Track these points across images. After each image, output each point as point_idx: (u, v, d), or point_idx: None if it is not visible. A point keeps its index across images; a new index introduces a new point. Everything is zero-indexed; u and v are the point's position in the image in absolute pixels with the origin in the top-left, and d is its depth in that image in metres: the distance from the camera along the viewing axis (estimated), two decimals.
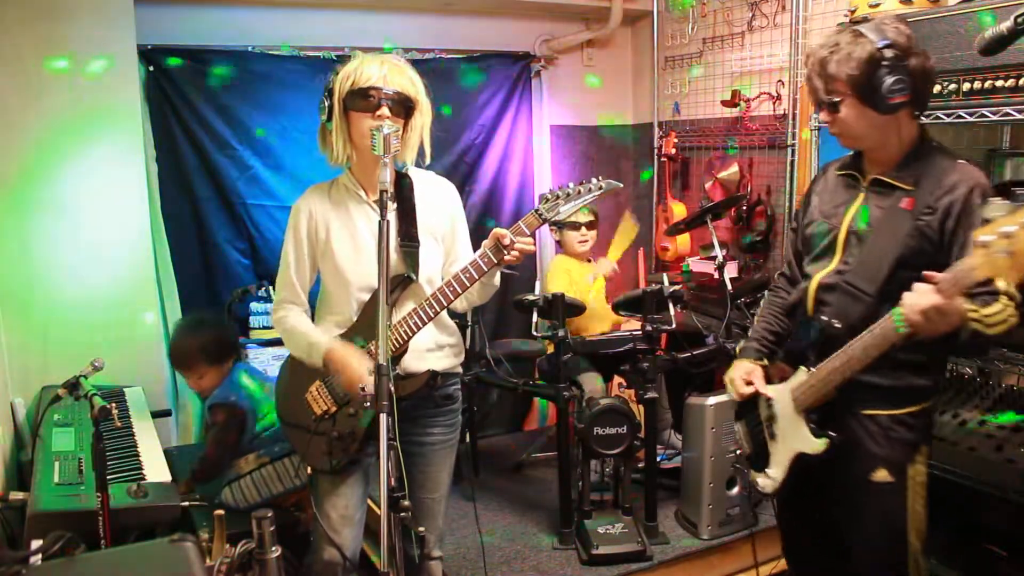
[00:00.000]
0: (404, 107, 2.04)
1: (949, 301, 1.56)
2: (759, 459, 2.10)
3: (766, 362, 2.11)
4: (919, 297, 1.59)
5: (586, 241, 3.65)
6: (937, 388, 1.94)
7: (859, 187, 1.93)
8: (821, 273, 1.95)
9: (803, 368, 1.94)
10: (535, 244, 2.03)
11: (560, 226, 3.63)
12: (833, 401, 1.90)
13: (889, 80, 1.73)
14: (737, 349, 2.22)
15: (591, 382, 3.28)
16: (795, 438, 1.96)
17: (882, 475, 1.88)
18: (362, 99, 1.99)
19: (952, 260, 1.69)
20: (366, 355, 2.02)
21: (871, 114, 1.79)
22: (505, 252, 1.95)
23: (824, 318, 1.90)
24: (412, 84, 2.06)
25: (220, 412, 2.80)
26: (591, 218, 3.64)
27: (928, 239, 1.78)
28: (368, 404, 1.67)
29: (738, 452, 2.22)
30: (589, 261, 3.72)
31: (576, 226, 3.60)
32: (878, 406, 1.88)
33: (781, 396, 2.00)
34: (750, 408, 2.13)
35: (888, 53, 1.74)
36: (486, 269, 1.99)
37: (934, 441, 2.42)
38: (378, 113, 1.99)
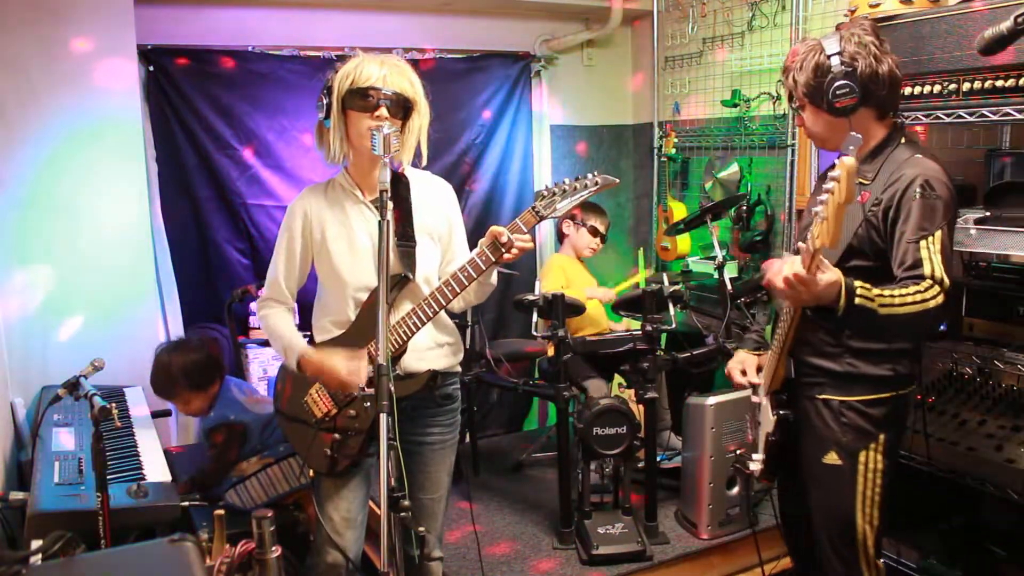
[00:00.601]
0: (402, 108, 2.04)
1: (809, 274, 1.67)
2: (753, 445, 2.22)
3: (762, 352, 2.21)
4: (783, 265, 1.72)
5: (595, 249, 3.72)
6: (901, 379, 1.97)
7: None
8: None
9: (769, 351, 2.09)
10: (533, 242, 2.02)
11: (583, 224, 3.68)
12: (793, 383, 2.04)
13: (834, 86, 1.87)
14: (741, 342, 2.35)
15: (599, 390, 3.27)
16: (766, 420, 2.09)
17: (831, 458, 1.98)
18: (361, 99, 1.99)
19: (892, 248, 1.85)
20: (346, 352, 2.02)
21: (826, 117, 1.94)
22: (503, 250, 1.95)
23: (780, 302, 2.01)
24: (411, 85, 2.06)
25: (218, 434, 2.81)
26: (606, 231, 3.72)
27: (875, 230, 1.89)
28: (368, 404, 1.67)
29: (744, 445, 2.32)
30: (581, 261, 3.76)
31: (596, 232, 3.65)
32: (829, 391, 1.98)
33: (760, 382, 2.15)
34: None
35: (835, 61, 1.88)
36: (484, 268, 1.99)
37: (936, 441, 2.44)
38: (376, 113, 1.99)
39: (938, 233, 1.81)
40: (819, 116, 1.95)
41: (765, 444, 2.09)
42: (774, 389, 2.06)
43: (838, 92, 1.87)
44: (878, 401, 1.96)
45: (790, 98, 2.03)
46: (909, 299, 1.75)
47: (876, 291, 1.74)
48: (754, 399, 2.19)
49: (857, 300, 1.72)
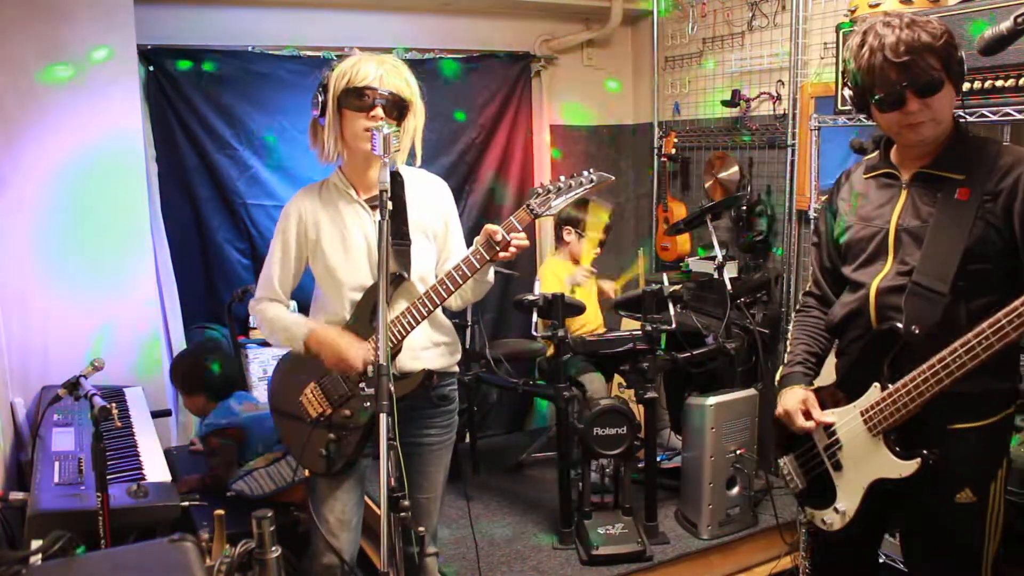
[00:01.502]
0: (398, 108, 2.03)
1: None
2: (817, 493, 1.92)
3: (814, 386, 1.95)
4: None
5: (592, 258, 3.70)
6: (1017, 391, 1.79)
7: (898, 185, 1.80)
8: (878, 278, 1.79)
9: (876, 385, 1.76)
10: (528, 240, 2.01)
11: (582, 235, 3.66)
12: (913, 418, 1.72)
13: (963, 63, 1.67)
14: (777, 379, 2.03)
15: (594, 382, 3.28)
16: (871, 464, 1.78)
17: (966, 496, 1.74)
18: (356, 98, 1.99)
19: None
20: (350, 335, 2.03)
21: (952, 95, 1.69)
22: (498, 249, 1.95)
23: (899, 326, 1.71)
24: (407, 86, 2.06)
25: (213, 439, 2.91)
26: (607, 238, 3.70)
27: (993, 227, 1.67)
28: (368, 404, 1.67)
29: (789, 489, 2.03)
30: (576, 264, 3.76)
31: (600, 243, 3.64)
32: (967, 418, 1.73)
33: (845, 420, 1.83)
34: (799, 439, 1.95)
35: (947, 27, 1.67)
36: (479, 266, 1.98)
37: None
38: (372, 113, 1.99)
39: None
40: (951, 95, 1.69)
41: (867, 491, 1.80)
42: (888, 427, 1.75)
43: (963, 64, 1.68)
44: (1004, 420, 1.75)
45: (919, 72, 1.64)
46: None
47: None
48: (803, 426, 1.87)
49: None
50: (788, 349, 2.04)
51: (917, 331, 1.68)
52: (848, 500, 1.84)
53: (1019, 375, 1.84)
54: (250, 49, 3.73)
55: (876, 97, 1.69)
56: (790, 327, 2.10)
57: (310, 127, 2.13)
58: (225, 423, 2.92)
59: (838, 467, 1.86)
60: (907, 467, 1.72)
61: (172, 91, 3.60)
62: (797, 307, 2.11)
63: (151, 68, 3.54)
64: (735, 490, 3.04)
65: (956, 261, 1.67)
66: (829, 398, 1.90)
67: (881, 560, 2.79)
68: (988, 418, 1.74)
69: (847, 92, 1.81)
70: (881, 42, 1.64)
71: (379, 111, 1.99)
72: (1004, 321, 1.53)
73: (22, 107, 2.97)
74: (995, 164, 1.69)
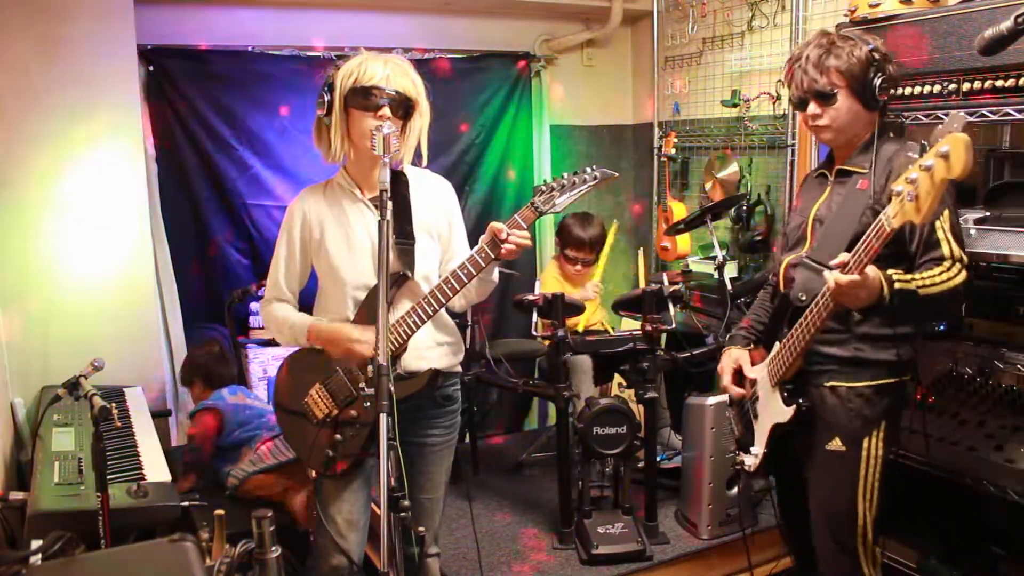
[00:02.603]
0: (404, 108, 2.04)
1: (862, 275, 1.71)
2: (747, 440, 2.22)
3: (752, 347, 2.24)
4: (835, 276, 1.75)
5: (580, 273, 3.71)
6: (903, 365, 2.02)
7: (827, 182, 2.11)
8: (790, 256, 2.12)
9: (777, 342, 2.07)
10: (531, 239, 2.02)
11: (562, 250, 3.69)
12: (801, 372, 2.03)
13: (878, 80, 1.95)
14: (726, 339, 2.36)
15: (584, 364, 3.28)
16: (771, 411, 2.09)
17: (835, 444, 2.01)
18: (363, 97, 1.99)
19: (907, 234, 1.89)
20: (355, 327, 2.04)
21: (857, 108, 1.99)
22: (501, 248, 1.95)
23: (796, 294, 2.00)
24: (413, 85, 2.06)
25: (197, 414, 3.10)
26: (591, 256, 3.69)
27: (876, 213, 1.85)
28: (368, 404, 1.67)
29: (734, 436, 2.34)
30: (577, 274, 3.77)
31: (574, 260, 3.65)
32: (838, 378, 2.02)
33: (760, 374, 2.15)
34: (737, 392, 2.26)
35: (877, 56, 1.96)
36: (484, 265, 1.99)
37: (936, 441, 2.43)
38: (379, 113, 1.99)
39: (946, 212, 1.87)
40: (852, 106, 1.98)
41: (768, 436, 2.10)
42: (783, 380, 2.06)
43: (882, 87, 1.95)
44: (883, 387, 2.00)
45: (811, 84, 1.99)
46: (939, 279, 1.81)
47: (908, 275, 1.81)
48: (736, 391, 2.21)
49: (897, 285, 1.76)
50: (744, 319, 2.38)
51: (803, 298, 1.96)
52: (759, 444, 2.14)
53: (900, 348, 2.01)
54: (250, 49, 3.73)
55: (792, 99, 2.09)
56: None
57: (314, 126, 2.12)
58: (210, 404, 3.08)
59: (755, 415, 2.18)
60: (787, 412, 2.04)
61: (172, 91, 3.60)
62: (763, 286, 2.42)
63: (151, 68, 3.54)
64: (735, 490, 3.04)
65: (845, 242, 1.89)
66: (760, 358, 2.19)
67: (879, 551, 2.80)
68: (862, 381, 2.00)
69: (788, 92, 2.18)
70: (805, 54, 2.00)
71: (386, 111, 1.99)
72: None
73: (22, 107, 2.98)
74: (890, 161, 1.96)
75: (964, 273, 1.84)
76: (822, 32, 2.05)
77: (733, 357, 2.25)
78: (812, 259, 1.99)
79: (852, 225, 1.93)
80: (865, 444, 1.99)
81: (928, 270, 1.84)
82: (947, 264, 1.84)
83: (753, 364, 2.21)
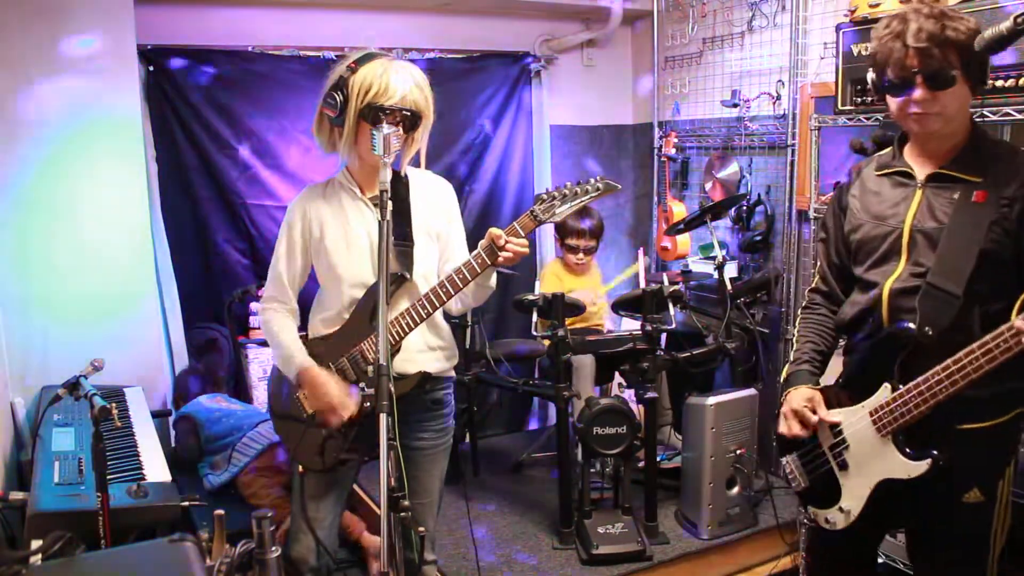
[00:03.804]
0: (413, 121, 2.03)
1: None
2: (820, 492, 1.92)
3: (821, 385, 1.93)
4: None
5: (582, 263, 3.69)
6: None
7: (913, 185, 1.78)
8: (891, 278, 1.77)
9: (887, 385, 1.75)
10: (528, 246, 2.00)
11: (562, 242, 3.66)
12: (922, 418, 1.70)
13: (987, 61, 1.65)
14: (782, 376, 2.02)
15: (584, 366, 3.28)
16: (879, 464, 1.78)
17: (975, 495, 1.74)
18: (377, 116, 1.95)
19: None
20: (340, 381, 2.05)
21: (967, 95, 1.69)
22: (499, 254, 1.94)
23: (911, 326, 1.70)
24: (425, 100, 2.04)
25: (179, 423, 3.34)
26: (591, 244, 3.68)
27: (1006, 231, 1.67)
28: (367, 404, 1.67)
29: (792, 488, 2.02)
30: (570, 270, 3.76)
31: (574, 250, 3.64)
32: (976, 419, 1.72)
33: (852, 420, 1.82)
34: (802, 438, 1.92)
35: (980, 29, 1.65)
36: (480, 270, 1.98)
37: None
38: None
39: None
40: (964, 92, 1.68)
41: (873, 491, 1.80)
42: (897, 428, 1.75)
43: (987, 68, 1.67)
44: (1016, 418, 1.74)
45: (930, 61, 1.63)
46: None
47: None
48: (824, 439, 1.87)
49: None
50: (795, 346, 2.02)
51: (931, 332, 1.68)
52: (853, 500, 1.83)
53: None
54: (250, 49, 3.72)
55: (888, 80, 1.69)
56: (796, 323, 2.08)
57: (316, 117, 2.10)
58: (186, 412, 3.31)
59: (844, 467, 1.85)
60: (917, 468, 1.71)
61: (172, 91, 3.60)
62: (803, 304, 2.09)
63: (151, 68, 3.54)
64: (735, 490, 3.04)
65: (971, 264, 1.66)
66: (834, 397, 1.89)
67: (881, 560, 2.79)
68: (997, 418, 1.73)
69: (869, 75, 1.77)
70: (905, 27, 1.64)
71: (399, 129, 1.96)
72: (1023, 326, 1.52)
73: (23, 107, 2.97)
74: (1014, 169, 1.68)
75: None
76: (920, 1, 1.71)
77: (805, 397, 1.87)
78: (935, 285, 1.69)
79: (977, 243, 1.66)
80: (1000, 488, 1.75)
81: None
82: None
83: (827, 405, 1.87)
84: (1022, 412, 1.77)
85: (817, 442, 1.90)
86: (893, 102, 1.72)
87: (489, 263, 1.97)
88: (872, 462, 1.79)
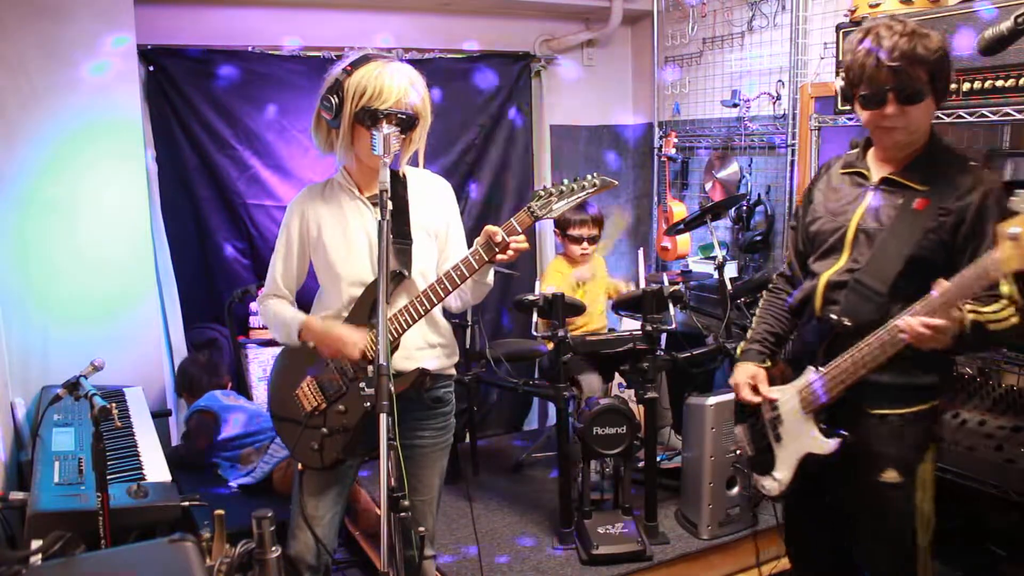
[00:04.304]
0: (410, 122, 2.02)
1: (949, 319, 1.59)
2: (763, 462, 2.08)
3: (768, 364, 2.08)
4: (921, 321, 1.61)
5: (587, 253, 3.69)
6: (944, 385, 1.91)
7: (866, 186, 1.90)
8: (830, 271, 1.92)
9: (811, 368, 1.91)
10: (527, 242, 1.99)
11: (564, 235, 3.66)
12: (841, 400, 1.86)
13: (951, 73, 1.73)
14: (738, 351, 2.19)
15: (592, 383, 3.28)
16: (803, 439, 1.94)
17: (891, 475, 1.86)
18: (373, 119, 1.95)
19: (963, 263, 1.67)
20: (347, 326, 2.04)
21: (933, 108, 1.77)
22: (497, 250, 1.94)
23: (834, 316, 1.86)
24: (422, 101, 2.04)
25: (192, 418, 3.31)
26: (595, 232, 3.67)
27: (940, 241, 1.77)
28: (368, 404, 1.66)
29: (738, 454, 2.17)
30: (574, 264, 3.75)
31: (579, 240, 3.63)
32: (887, 405, 1.85)
33: (786, 397, 1.98)
34: (752, 410, 2.10)
35: (946, 46, 1.73)
36: (477, 267, 1.98)
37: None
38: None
39: None
40: (931, 106, 1.77)
41: (797, 465, 1.95)
42: (817, 407, 1.90)
43: (949, 82, 1.75)
44: (930, 410, 1.87)
45: (904, 79, 1.72)
46: (1002, 315, 1.67)
47: (979, 306, 1.66)
48: (754, 402, 2.04)
49: (971, 316, 1.64)
50: (752, 326, 2.18)
51: (848, 323, 1.83)
52: (784, 470, 1.99)
53: (946, 369, 1.93)
54: (250, 49, 3.73)
55: (862, 94, 1.79)
56: (759, 303, 2.23)
57: (315, 117, 2.11)
58: (204, 405, 3.29)
59: (778, 439, 2.02)
60: (828, 445, 1.87)
61: (172, 91, 3.60)
62: (769, 286, 2.22)
63: (151, 68, 3.54)
64: (735, 490, 3.04)
65: (899, 266, 1.78)
66: (779, 374, 2.05)
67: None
68: (911, 406, 1.85)
69: (839, 82, 1.89)
70: (879, 44, 1.73)
71: (397, 130, 1.96)
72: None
73: (23, 107, 2.98)
74: (956, 182, 1.77)
75: (1018, 317, 1.66)
76: (891, 18, 1.79)
77: (749, 373, 2.06)
78: (860, 282, 1.84)
79: (908, 247, 1.78)
80: (919, 471, 1.86)
81: (988, 304, 1.67)
82: (1003, 303, 1.66)
83: (771, 382, 2.04)
84: (935, 406, 1.88)
85: (761, 415, 2.07)
86: (864, 113, 1.82)
87: (486, 259, 1.97)
88: (798, 437, 1.95)
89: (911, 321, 1.64)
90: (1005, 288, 1.57)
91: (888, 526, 1.91)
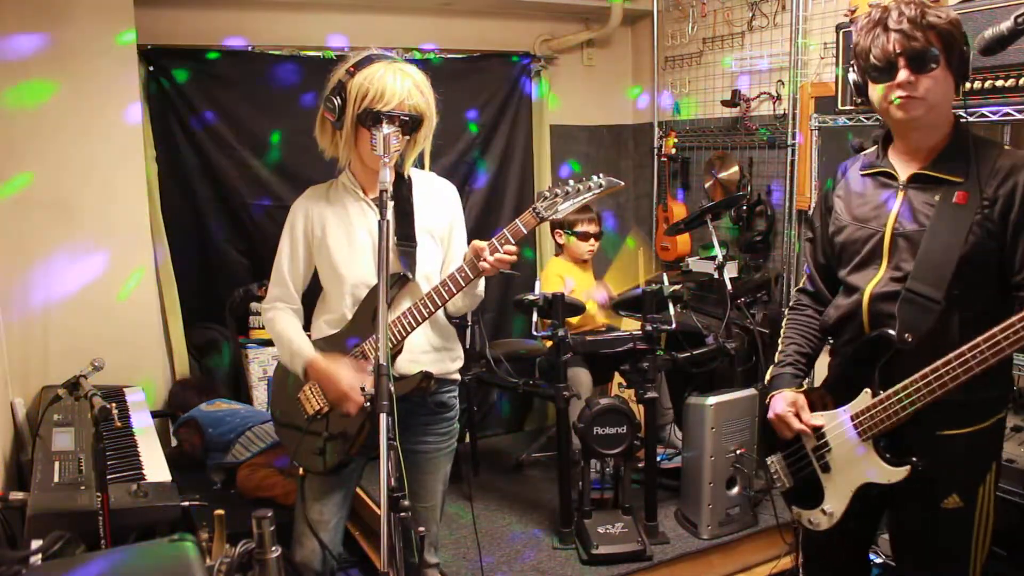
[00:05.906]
0: (414, 123, 2.02)
1: None
2: (804, 493, 1.90)
3: (804, 387, 1.92)
4: None
5: (593, 250, 3.69)
6: (1008, 397, 1.81)
7: (895, 186, 1.76)
8: (872, 283, 1.76)
9: (867, 391, 1.73)
10: (517, 253, 1.98)
11: (570, 233, 3.65)
12: (903, 424, 1.69)
13: (969, 52, 1.63)
14: (767, 378, 2.00)
15: (579, 376, 3.28)
16: (859, 468, 1.77)
17: (954, 501, 1.73)
18: (375, 121, 1.94)
19: (1019, 251, 1.60)
20: (353, 365, 2.02)
21: (950, 85, 1.65)
22: (480, 265, 1.94)
23: (892, 333, 1.68)
24: (426, 101, 2.03)
25: (181, 430, 3.35)
26: (598, 228, 3.67)
27: (989, 232, 1.64)
28: (368, 403, 1.66)
29: (776, 487, 2.00)
30: (585, 262, 3.74)
31: (586, 236, 3.62)
32: (956, 425, 1.70)
33: (834, 424, 1.81)
34: (788, 439, 1.91)
35: (958, 23, 1.65)
36: (464, 285, 1.99)
37: None
38: None
39: None
40: (947, 79, 1.64)
41: (854, 494, 1.79)
42: (878, 433, 1.73)
43: (968, 63, 1.64)
44: (995, 425, 1.74)
45: (912, 42, 1.61)
46: None
47: None
48: (807, 441, 1.86)
49: None
50: (779, 348, 2.00)
51: (910, 339, 1.66)
52: (836, 502, 1.82)
53: (1011, 381, 1.83)
54: (250, 49, 3.73)
55: (872, 69, 1.67)
56: (783, 324, 2.06)
57: (318, 119, 2.11)
58: (186, 418, 3.34)
59: (826, 469, 1.84)
60: (896, 474, 1.71)
61: (172, 91, 3.60)
62: (790, 304, 2.07)
63: (151, 68, 3.54)
64: (735, 490, 3.04)
65: (952, 268, 1.63)
66: (819, 400, 1.87)
67: (880, 560, 2.79)
68: (977, 424, 1.72)
69: (852, 76, 1.76)
70: (886, 14, 1.64)
71: (399, 130, 1.95)
72: (1000, 336, 1.51)
73: (22, 107, 2.97)
74: (995, 167, 1.65)
75: None
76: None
77: (789, 400, 1.86)
78: (914, 291, 1.67)
79: (957, 247, 1.63)
80: (980, 494, 1.73)
81: None
82: None
83: (811, 407, 1.86)
84: (1002, 418, 1.76)
85: (801, 444, 1.89)
86: (876, 92, 1.69)
87: (472, 277, 1.97)
88: (853, 466, 1.78)
89: None
90: None
91: (945, 554, 1.79)
